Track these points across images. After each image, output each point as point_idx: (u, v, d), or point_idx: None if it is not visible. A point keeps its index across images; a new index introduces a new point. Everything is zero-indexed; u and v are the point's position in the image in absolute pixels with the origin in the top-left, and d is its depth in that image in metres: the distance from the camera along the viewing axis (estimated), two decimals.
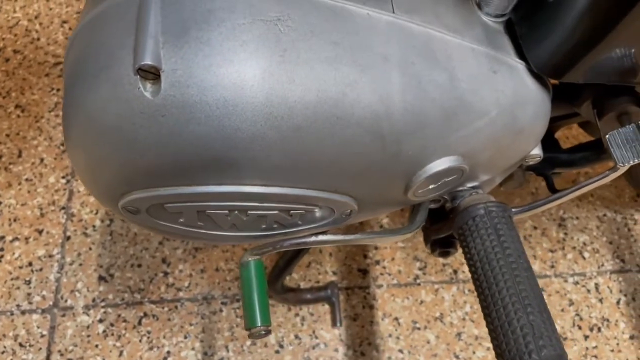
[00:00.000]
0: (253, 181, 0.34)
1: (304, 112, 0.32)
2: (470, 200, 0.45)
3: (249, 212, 0.37)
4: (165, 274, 0.82)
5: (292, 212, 0.38)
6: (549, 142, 0.55)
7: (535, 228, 0.90)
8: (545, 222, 0.90)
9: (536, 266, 0.86)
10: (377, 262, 0.86)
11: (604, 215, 0.92)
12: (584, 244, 0.89)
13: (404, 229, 0.44)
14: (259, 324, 0.39)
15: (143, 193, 0.35)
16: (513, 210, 0.47)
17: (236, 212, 0.37)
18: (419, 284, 0.84)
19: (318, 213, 0.39)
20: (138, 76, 0.30)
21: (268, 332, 0.39)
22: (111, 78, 0.31)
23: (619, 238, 0.90)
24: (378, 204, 0.41)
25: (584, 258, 0.88)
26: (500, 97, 0.38)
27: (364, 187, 0.38)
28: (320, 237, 0.40)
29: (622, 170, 0.42)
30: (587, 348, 0.81)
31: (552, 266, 0.87)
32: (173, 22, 0.31)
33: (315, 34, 0.33)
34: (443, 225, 0.50)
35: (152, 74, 0.30)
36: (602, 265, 0.87)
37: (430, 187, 0.40)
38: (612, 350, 0.81)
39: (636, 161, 0.40)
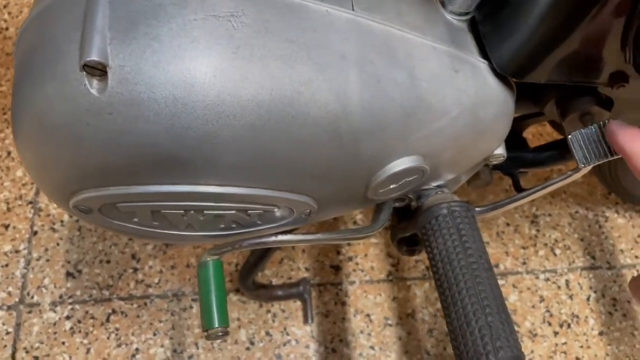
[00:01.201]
0: (207, 181, 0.33)
1: (258, 110, 0.31)
2: (434, 199, 0.45)
3: (205, 212, 0.36)
4: (135, 270, 0.81)
5: (250, 212, 0.37)
6: (516, 141, 0.55)
7: (508, 225, 0.90)
8: (518, 219, 0.91)
9: (508, 263, 0.87)
10: (350, 259, 0.86)
11: (576, 212, 0.92)
12: (556, 240, 0.90)
13: (367, 228, 0.43)
14: (217, 325, 0.38)
15: (94, 192, 0.34)
16: (477, 209, 0.47)
17: (192, 212, 0.36)
18: (391, 281, 0.84)
19: (277, 213, 0.38)
20: (84, 72, 0.29)
21: (226, 334, 0.38)
22: (57, 74, 0.30)
23: (590, 235, 0.91)
24: (339, 203, 0.41)
25: (555, 255, 0.88)
26: (461, 96, 0.38)
27: (322, 186, 0.37)
28: (280, 237, 0.40)
29: (584, 171, 0.42)
30: (556, 344, 0.82)
31: (524, 263, 0.87)
32: (121, 17, 0.30)
33: (270, 31, 0.32)
34: (408, 224, 0.49)
35: (98, 70, 0.29)
36: (573, 262, 0.88)
37: (392, 186, 0.40)
38: (582, 347, 0.82)
39: (597, 162, 0.40)
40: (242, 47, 0.31)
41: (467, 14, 0.40)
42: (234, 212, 0.36)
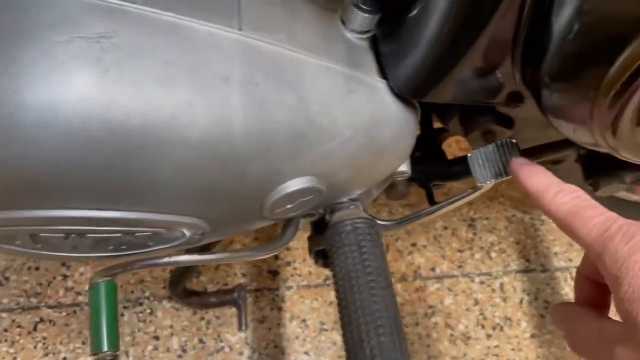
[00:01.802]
0: (81, 205, 0.32)
1: (129, 135, 0.30)
2: (341, 215, 0.45)
3: (87, 235, 0.35)
4: (65, 277, 0.79)
5: (136, 234, 0.36)
6: (434, 153, 0.55)
7: (445, 228, 0.91)
8: (456, 222, 0.92)
9: (444, 266, 0.88)
10: (288, 264, 0.85)
11: (513, 215, 0.94)
12: (492, 244, 0.91)
13: (269, 246, 0.43)
14: (105, 349, 0.37)
15: None
16: (385, 224, 0.47)
17: (73, 235, 0.35)
18: (328, 285, 0.84)
19: (167, 234, 0.37)
20: None
21: (115, 357, 0.38)
22: None
23: (526, 238, 0.92)
24: (235, 222, 0.40)
25: (491, 258, 0.90)
26: (355, 117, 0.37)
27: (211, 208, 0.36)
28: (174, 258, 0.39)
29: (485, 189, 0.43)
30: (488, 347, 0.83)
31: (460, 266, 0.89)
32: None
33: (145, 53, 0.31)
34: (321, 237, 0.49)
35: None
36: (508, 265, 0.90)
37: (288, 206, 0.39)
38: (513, 349, 0.83)
39: (495, 181, 0.41)
40: (112, 70, 0.30)
41: (367, 32, 0.40)
42: (119, 235, 0.36)
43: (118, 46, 0.30)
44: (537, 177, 0.35)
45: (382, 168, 0.42)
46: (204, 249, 0.53)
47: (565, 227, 0.32)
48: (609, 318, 0.33)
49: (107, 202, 0.33)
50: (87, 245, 0.36)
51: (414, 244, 0.89)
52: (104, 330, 0.37)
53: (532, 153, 0.46)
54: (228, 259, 0.42)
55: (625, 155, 0.35)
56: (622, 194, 0.79)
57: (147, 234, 0.36)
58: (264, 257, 0.42)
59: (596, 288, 0.34)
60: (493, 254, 0.90)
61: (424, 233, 0.90)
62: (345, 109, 0.37)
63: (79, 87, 0.29)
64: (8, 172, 0.30)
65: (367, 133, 0.38)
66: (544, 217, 0.95)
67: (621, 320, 0.29)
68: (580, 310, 0.33)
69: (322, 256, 0.53)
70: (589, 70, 0.32)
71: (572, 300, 0.38)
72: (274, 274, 0.84)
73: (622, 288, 0.27)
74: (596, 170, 0.50)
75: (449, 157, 0.56)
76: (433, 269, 0.88)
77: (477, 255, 0.90)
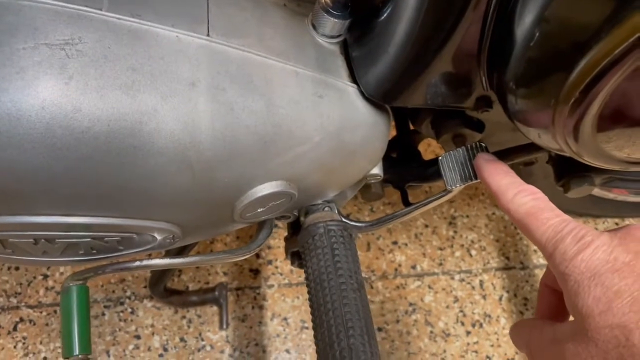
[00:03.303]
0: (48, 211, 0.32)
1: (94, 142, 0.30)
2: (314, 218, 0.45)
3: (57, 240, 0.35)
4: (45, 276, 0.79)
5: (106, 239, 0.36)
6: (409, 154, 0.56)
7: (426, 226, 0.92)
8: (437, 220, 0.93)
9: (425, 264, 0.89)
10: (270, 262, 0.86)
11: (493, 213, 0.95)
12: (472, 241, 0.92)
13: (243, 249, 0.43)
14: (77, 353, 0.37)
15: None
16: (358, 225, 0.47)
17: (43, 240, 0.35)
18: None
19: (138, 239, 0.37)
20: None
21: None
22: None
23: (506, 236, 0.93)
24: (206, 227, 0.40)
25: (471, 256, 0.91)
26: (324, 122, 0.38)
27: (180, 213, 0.37)
28: (146, 262, 0.39)
29: (455, 192, 0.43)
30: (468, 343, 0.84)
31: (441, 264, 0.89)
32: None
33: (109, 60, 0.31)
34: (296, 239, 0.50)
35: None
36: (488, 262, 0.91)
37: (259, 210, 0.40)
38: (492, 345, 0.85)
39: (464, 185, 0.41)
40: (76, 76, 0.30)
41: (338, 36, 0.40)
42: (88, 239, 0.36)
43: (83, 52, 0.30)
44: (499, 176, 0.36)
45: (354, 171, 0.43)
46: (180, 251, 0.53)
47: (522, 227, 0.33)
48: (564, 323, 0.33)
49: (74, 208, 0.33)
50: (57, 250, 0.36)
51: (395, 242, 0.90)
52: (75, 334, 0.38)
53: (503, 156, 0.47)
54: (200, 262, 0.42)
55: (588, 160, 0.36)
56: (598, 192, 0.80)
57: (116, 238, 0.36)
58: (237, 259, 0.43)
59: (556, 297, 0.35)
60: (473, 252, 0.91)
61: (405, 231, 0.91)
62: (315, 113, 0.37)
63: (44, 94, 0.29)
64: None
65: (337, 137, 0.38)
66: None
67: (572, 318, 0.30)
68: (538, 322, 0.34)
69: (297, 257, 0.54)
70: (550, 76, 0.32)
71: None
72: (255, 272, 0.85)
73: (568, 284, 0.29)
74: (567, 171, 0.50)
75: (429, 155, 0.57)
76: (414, 267, 0.88)
77: (458, 253, 0.91)
